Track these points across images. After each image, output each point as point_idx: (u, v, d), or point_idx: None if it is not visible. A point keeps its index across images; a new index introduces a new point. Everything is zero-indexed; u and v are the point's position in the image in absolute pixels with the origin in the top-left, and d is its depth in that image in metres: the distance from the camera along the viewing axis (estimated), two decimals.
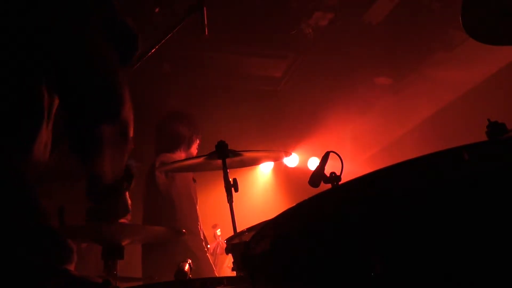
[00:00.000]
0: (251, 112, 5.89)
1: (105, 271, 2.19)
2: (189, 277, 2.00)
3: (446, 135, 5.28)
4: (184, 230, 2.70)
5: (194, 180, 3.85)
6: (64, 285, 1.09)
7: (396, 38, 4.99)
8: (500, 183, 0.90)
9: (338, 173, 1.47)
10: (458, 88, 5.65)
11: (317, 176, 1.48)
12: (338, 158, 1.57)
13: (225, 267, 5.24)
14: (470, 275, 0.89)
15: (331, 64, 5.42)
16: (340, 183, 1.46)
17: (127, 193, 1.43)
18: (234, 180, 2.48)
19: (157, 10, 4.32)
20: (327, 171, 1.49)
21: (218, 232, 5.32)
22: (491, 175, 0.90)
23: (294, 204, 1.10)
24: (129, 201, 1.45)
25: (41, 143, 1.17)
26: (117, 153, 1.26)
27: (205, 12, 2.52)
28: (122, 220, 1.89)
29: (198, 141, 3.98)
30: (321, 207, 1.07)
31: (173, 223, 3.51)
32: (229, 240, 2.21)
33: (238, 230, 2.32)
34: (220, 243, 5.16)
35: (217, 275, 3.74)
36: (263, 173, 6.87)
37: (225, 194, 2.50)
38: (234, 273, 1.95)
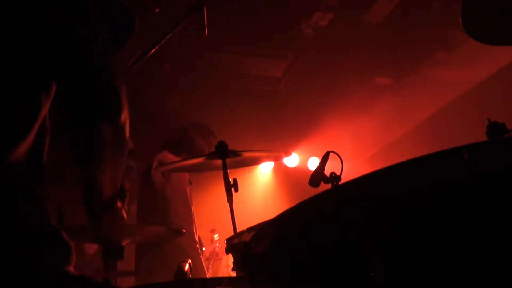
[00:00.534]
0: (251, 112, 5.89)
1: (104, 271, 2.19)
2: (189, 277, 2.00)
3: (446, 135, 5.28)
4: (184, 230, 2.70)
5: (190, 182, 3.86)
6: (64, 285, 1.09)
7: (396, 38, 4.99)
8: (500, 183, 0.90)
9: (338, 173, 1.46)
10: (458, 88, 5.65)
11: (317, 176, 1.48)
12: (338, 158, 1.57)
13: (223, 266, 5.22)
14: (470, 275, 0.89)
15: (331, 64, 5.42)
16: (340, 183, 1.46)
17: (123, 211, 1.41)
18: (234, 180, 2.48)
19: (157, 10, 4.32)
20: (327, 171, 1.49)
21: (216, 237, 5.28)
22: (491, 175, 0.90)
23: (294, 204, 1.10)
24: (125, 216, 1.43)
25: (45, 143, 1.16)
26: (117, 157, 1.25)
27: (205, 12, 2.52)
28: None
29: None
30: (321, 207, 1.07)
31: (166, 222, 3.52)
32: (229, 240, 2.21)
33: (238, 230, 2.32)
34: (217, 248, 5.13)
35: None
36: (263, 173, 6.87)
37: (225, 194, 2.50)
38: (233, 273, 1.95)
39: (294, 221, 1.13)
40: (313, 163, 6.56)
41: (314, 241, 1.07)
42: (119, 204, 1.36)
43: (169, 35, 2.49)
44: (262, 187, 6.86)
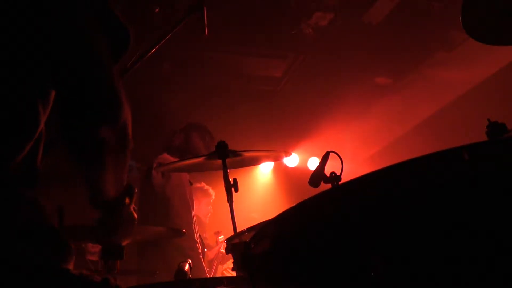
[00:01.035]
0: (251, 112, 5.89)
1: (104, 271, 2.19)
2: (189, 277, 2.00)
3: (446, 135, 5.28)
4: (184, 230, 2.70)
5: (191, 183, 3.86)
6: (64, 284, 1.09)
7: (396, 38, 4.99)
8: (500, 183, 0.90)
9: (338, 173, 1.46)
10: (458, 88, 5.66)
11: (317, 176, 1.48)
12: (338, 158, 1.57)
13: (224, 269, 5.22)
14: (470, 275, 0.89)
15: (331, 64, 5.42)
16: (340, 183, 1.46)
17: (132, 208, 1.41)
18: (234, 180, 2.48)
19: (157, 10, 4.32)
20: (327, 171, 1.49)
21: (221, 238, 5.28)
22: (491, 175, 0.90)
23: (294, 204, 1.10)
24: (135, 215, 1.42)
25: (45, 143, 1.16)
26: (118, 159, 1.24)
27: (205, 12, 2.51)
28: None
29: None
30: (321, 207, 1.07)
31: (167, 222, 3.53)
32: (229, 240, 2.22)
33: (238, 230, 2.32)
34: (222, 249, 5.12)
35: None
36: (263, 173, 6.87)
37: (225, 194, 2.50)
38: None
39: (294, 221, 1.13)
40: (313, 163, 6.56)
41: (314, 241, 1.07)
42: (127, 200, 1.36)
43: (169, 35, 2.49)
44: (262, 187, 6.86)
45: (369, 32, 4.94)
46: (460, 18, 1.81)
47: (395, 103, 6.09)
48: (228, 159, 2.51)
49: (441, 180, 0.93)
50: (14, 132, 1.10)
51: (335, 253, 1.03)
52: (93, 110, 1.13)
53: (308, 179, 1.50)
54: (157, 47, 2.45)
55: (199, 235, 3.91)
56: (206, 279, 2.75)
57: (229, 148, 2.51)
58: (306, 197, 1.07)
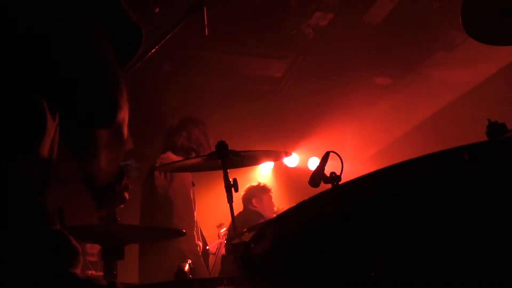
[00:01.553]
0: (251, 112, 5.89)
1: (105, 272, 2.19)
2: (189, 277, 2.00)
3: (446, 135, 5.28)
4: (184, 230, 2.70)
5: (193, 184, 3.84)
6: None
7: (396, 38, 4.99)
8: (500, 183, 0.90)
9: (338, 173, 1.46)
10: (458, 88, 5.66)
11: (317, 176, 1.48)
12: (338, 158, 1.57)
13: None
14: (470, 275, 0.89)
15: (331, 64, 5.43)
16: (340, 183, 1.46)
17: (125, 192, 1.43)
18: (234, 180, 2.47)
19: (157, 10, 4.32)
20: (327, 171, 1.49)
21: (223, 231, 5.28)
22: (491, 175, 0.90)
23: (294, 204, 1.10)
24: (126, 195, 1.45)
25: (48, 143, 1.16)
26: (113, 154, 1.26)
27: (205, 12, 2.51)
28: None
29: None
30: (321, 207, 1.07)
31: (168, 224, 3.51)
32: (229, 240, 2.21)
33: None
34: (224, 242, 5.12)
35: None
36: (263, 173, 6.87)
37: (225, 194, 2.49)
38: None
39: (294, 221, 1.13)
40: (313, 163, 6.56)
41: (314, 241, 1.07)
42: (117, 186, 1.39)
43: (169, 35, 2.49)
44: None
45: (369, 32, 4.94)
46: (460, 18, 1.81)
47: (395, 103, 6.09)
48: (228, 159, 2.51)
49: (441, 180, 0.93)
50: (20, 133, 1.10)
51: (335, 253, 1.03)
52: (90, 111, 1.12)
53: (308, 179, 1.50)
54: (157, 47, 2.45)
55: (201, 232, 3.89)
56: (206, 279, 2.74)
57: (229, 148, 2.51)
58: (306, 197, 1.07)
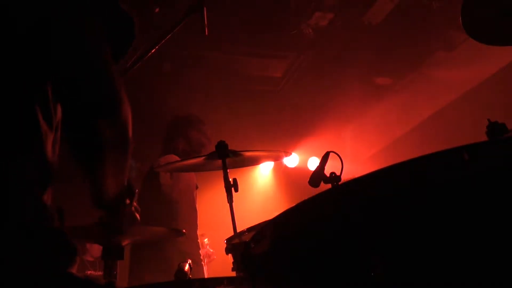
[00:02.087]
0: (251, 112, 5.88)
1: (104, 272, 2.19)
2: (189, 277, 2.00)
3: (446, 135, 5.28)
4: (184, 231, 2.69)
5: (197, 186, 3.81)
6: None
7: (396, 38, 4.99)
8: (500, 183, 0.90)
9: (338, 173, 1.46)
10: (458, 88, 5.65)
11: (317, 176, 1.48)
12: (338, 158, 1.57)
13: (218, 265, 5.17)
14: (470, 275, 0.89)
15: (331, 64, 5.43)
16: (340, 183, 1.46)
17: (133, 208, 1.41)
18: (234, 180, 2.47)
19: (157, 10, 4.32)
20: (327, 171, 1.49)
21: (206, 241, 5.22)
22: (491, 175, 0.90)
23: (294, 204, 1.10)
24: (137, 216, 1.43)
25: (48, 143, 1.16)
26: (118, 157, 1.24)
27: (205, 12, 2.51)
28: None
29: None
30: (321, 207, 1.07)
31: (171, 225, 3.48)
32: (229, 240, 2.21)
33: (238, 230, 2.31)
34: (208, 252, 5.07)
35: None
36: (263, 173, 6.87)
37: (225, 194, 2.49)
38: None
39: (294, 221, 1.13)
40: (313, 163, 6.55)
41: (314, 241, 1.07)
42: (127, 201, 1.36)
43: (169, 35, 2.49)
44: (262, 187, 6.85)
45: (369, 32, 4.94)
46: (460, 18, 1.81)
47: (395, 103, 6.09)
48: (228, 159, 2.51)
49: (441, 180, 0.93)
50: (20, 133, 1.10)
51: (335, 253, 1.03)
52: (91, 105, 1.12)
53: (308, 179, 1.50)
54: (157, 47, 2.45)
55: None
56: (206, 279, 2.75)
57: (229, 148, 2.51)
58: (306, 197, 1.06)
